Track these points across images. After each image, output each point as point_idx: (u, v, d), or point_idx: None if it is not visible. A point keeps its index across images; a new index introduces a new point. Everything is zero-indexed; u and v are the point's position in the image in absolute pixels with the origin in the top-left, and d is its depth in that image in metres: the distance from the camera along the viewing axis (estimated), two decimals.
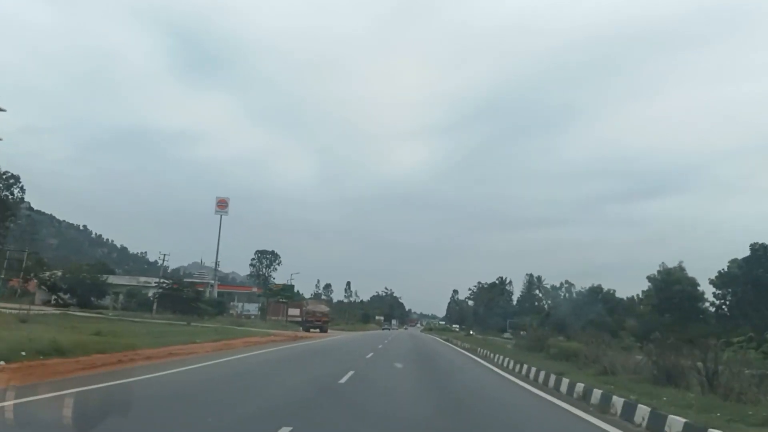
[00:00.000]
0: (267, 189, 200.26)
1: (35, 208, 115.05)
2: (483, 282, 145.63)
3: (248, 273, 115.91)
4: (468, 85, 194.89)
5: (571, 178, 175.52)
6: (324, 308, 66.53)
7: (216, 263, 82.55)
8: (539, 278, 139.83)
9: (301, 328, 58.91)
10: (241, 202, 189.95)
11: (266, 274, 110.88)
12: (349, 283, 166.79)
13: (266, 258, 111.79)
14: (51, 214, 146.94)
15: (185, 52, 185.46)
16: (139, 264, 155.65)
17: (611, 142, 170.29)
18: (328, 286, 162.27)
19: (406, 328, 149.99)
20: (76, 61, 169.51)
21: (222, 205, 79.53)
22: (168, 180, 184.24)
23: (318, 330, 58.56)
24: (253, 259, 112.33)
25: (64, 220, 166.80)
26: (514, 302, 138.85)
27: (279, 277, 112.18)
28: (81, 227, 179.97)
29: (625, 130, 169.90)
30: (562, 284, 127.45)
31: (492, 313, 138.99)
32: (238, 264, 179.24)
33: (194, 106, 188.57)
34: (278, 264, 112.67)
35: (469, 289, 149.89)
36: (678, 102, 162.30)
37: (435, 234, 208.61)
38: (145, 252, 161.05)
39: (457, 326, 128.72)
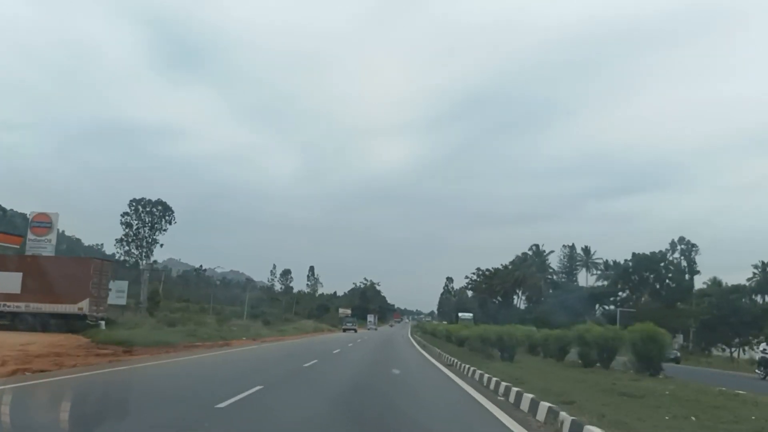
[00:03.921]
0: (248, 184, 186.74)
1: None
2: (483, 268, 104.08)
3: (119, 238, 77.43)
4: (453, 80, 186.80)
5: (555, 174, 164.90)
6: None
7: None
8: (587, 250, 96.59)
9: None
10: (223, 199, 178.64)
11: (149, 237, 72.49)
12: (312, 269, 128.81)
13: (148, 212, 73.46)
14: None
15: (166, 46, 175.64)
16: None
17: (594, 139, 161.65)
18: (286, 273, 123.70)
19: (391, 326, 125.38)
20: (55, 55, 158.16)
21: None
22: (150, 176, 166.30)
23: None
24: (125, 214, 74.64)
25: (10, 209, 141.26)
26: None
27: (167, 240, 75.15)
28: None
29: (607, 128, 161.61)
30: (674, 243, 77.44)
31: (512, 304, 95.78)
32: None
33: (175, 101, 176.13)
34: (170, 221, 74.97)
35: (467, 277, 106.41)
36: (660, 100, 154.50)
37: (419, 230, 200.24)
38: (102, 244, 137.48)
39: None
